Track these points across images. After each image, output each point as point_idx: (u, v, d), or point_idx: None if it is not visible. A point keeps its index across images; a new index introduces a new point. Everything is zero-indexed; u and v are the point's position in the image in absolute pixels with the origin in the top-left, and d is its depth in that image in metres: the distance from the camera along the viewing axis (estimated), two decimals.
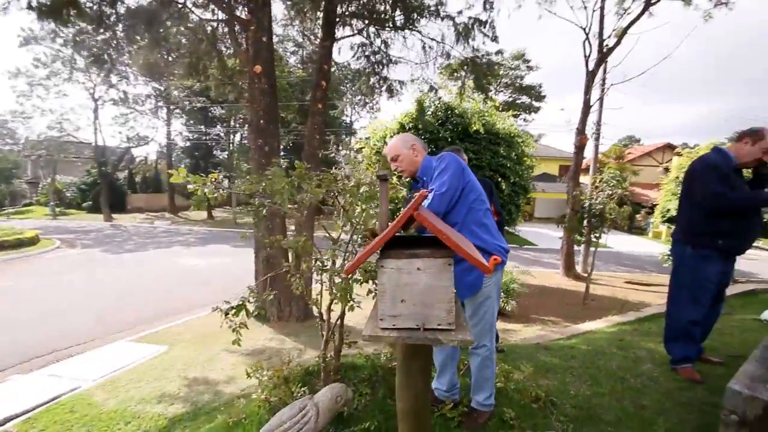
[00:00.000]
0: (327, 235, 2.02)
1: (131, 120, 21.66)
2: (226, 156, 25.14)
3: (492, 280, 1.90)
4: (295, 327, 5.04)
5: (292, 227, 6.00)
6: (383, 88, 7.75)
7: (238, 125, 24.13)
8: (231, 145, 25.79)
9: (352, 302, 1.79)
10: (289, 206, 1.79)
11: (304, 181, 1.72)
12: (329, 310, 2.08)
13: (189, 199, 23.96)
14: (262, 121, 5.00)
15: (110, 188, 21.03)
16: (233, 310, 1.69)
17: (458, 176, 1.82)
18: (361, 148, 7.35)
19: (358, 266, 1.16)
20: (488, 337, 1.94)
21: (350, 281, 1.85)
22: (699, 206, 2.37)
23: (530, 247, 14.13)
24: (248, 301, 1.70)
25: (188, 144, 24.03)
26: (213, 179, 1.68)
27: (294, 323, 5.18)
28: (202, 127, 23.01)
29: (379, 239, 1.11)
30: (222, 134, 25.20)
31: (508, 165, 6.89)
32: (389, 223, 1.35)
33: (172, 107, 21.86)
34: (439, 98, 7.42)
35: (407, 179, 2.24)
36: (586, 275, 7.24)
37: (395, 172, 2.01)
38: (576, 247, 9.09)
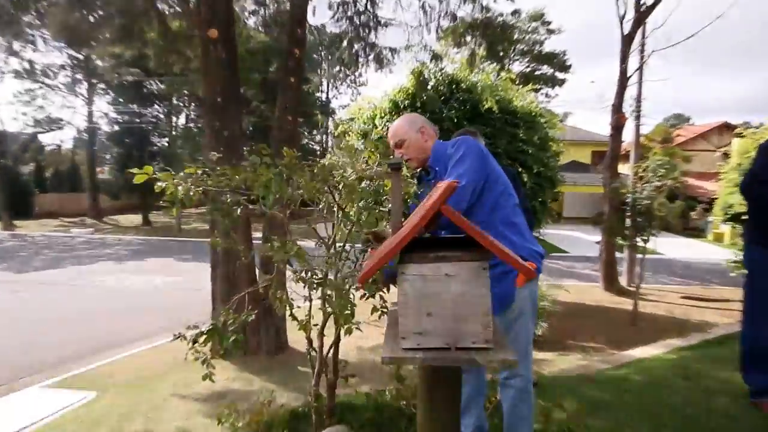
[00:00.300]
0: (321, 240, 2.03)
1: (39, 98, 21.38)
2: (166, 143, 24.87)
3: (525, 292, 1.94)
4: (266, 362, 5.01)
5: (258, 233, 5.98)
6: (370, 57, 7.80)
7: (182, 104, 23.93)
8: (174, 129, 25.55)
9: (351, 324, 1.81)
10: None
11: (295, 174, 1.73)
12: (321, 335, 2.09)
13: (116, 199, 23.79)
14: (219, 99, 4.97)
15: (10, 186, 20.63)
16: (203, 337, 1.69)
17: (480, 165, 1.86)
18: (344, 131, 7.35)
19: (374, 273, 1.19)
20: (524, 365, 1.98)
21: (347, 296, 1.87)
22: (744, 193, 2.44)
23: (560, 254, 14.32)
24: (222, 325, 1.69)
25: (116, 128, 23.68)
26: (191, 174, 1.67)
27: (264, 358, 5.14)
28: (135, 106, 22.70)
29: (399, 240, 1.13)
30: (162, 115, 24.95)
31: (530, 151, 6.93)
32: (402, 221, 1.38)
33: (95, 81, 21.58)
34: (442, 69, 7.48)
35: (416, 170, 2.28)
36: (632, 289, 7.38)
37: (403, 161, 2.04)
38: (618, 254, 9.25)
